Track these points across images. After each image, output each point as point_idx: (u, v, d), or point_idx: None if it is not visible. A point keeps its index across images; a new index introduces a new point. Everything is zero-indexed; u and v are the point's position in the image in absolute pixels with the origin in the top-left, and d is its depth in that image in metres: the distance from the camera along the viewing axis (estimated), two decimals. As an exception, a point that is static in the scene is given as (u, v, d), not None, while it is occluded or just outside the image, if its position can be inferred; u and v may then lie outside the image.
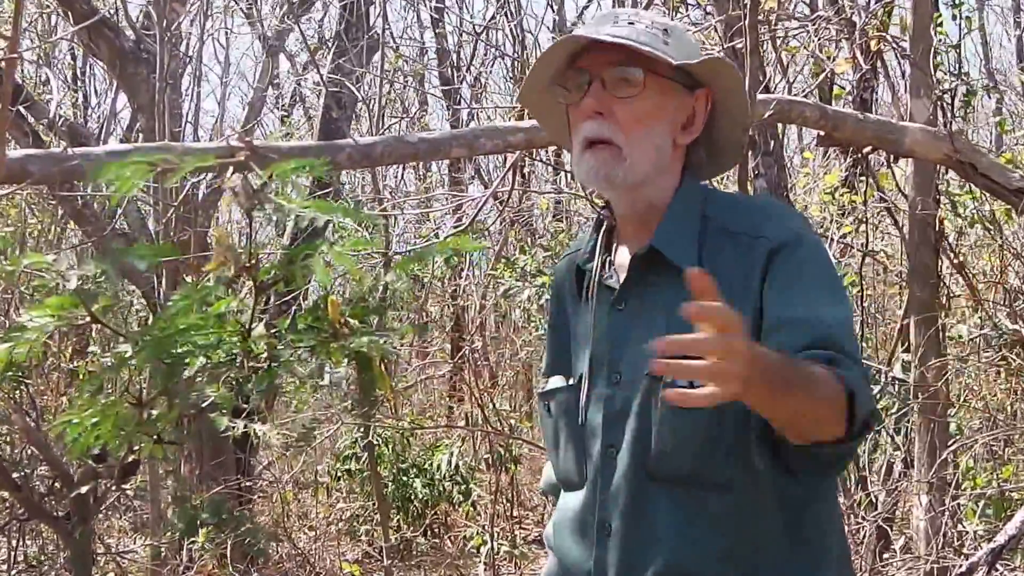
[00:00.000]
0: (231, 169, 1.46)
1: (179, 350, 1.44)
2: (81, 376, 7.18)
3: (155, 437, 1.79)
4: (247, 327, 1.43)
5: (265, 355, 1.43)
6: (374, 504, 6.88)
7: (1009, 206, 5.05)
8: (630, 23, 1.87)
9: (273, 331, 1.45)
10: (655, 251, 1.87)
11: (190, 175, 5.47)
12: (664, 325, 1.79)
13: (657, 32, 1.87)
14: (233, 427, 1.81)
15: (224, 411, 1.66)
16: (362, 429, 6.33)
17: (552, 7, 11.01)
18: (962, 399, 5.97)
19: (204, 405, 1.61)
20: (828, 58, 5.79)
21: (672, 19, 5.90)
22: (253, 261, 1.46)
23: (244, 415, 1.85)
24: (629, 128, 1.86)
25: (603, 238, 1.99)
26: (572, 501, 1.96)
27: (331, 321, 1.46)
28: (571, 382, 1.97)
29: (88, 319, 1.54)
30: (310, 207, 1.42)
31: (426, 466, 7.15)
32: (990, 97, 6.26)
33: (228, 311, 1.45)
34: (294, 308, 6.05)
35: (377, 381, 1.50)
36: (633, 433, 1.83)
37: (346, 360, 1.48)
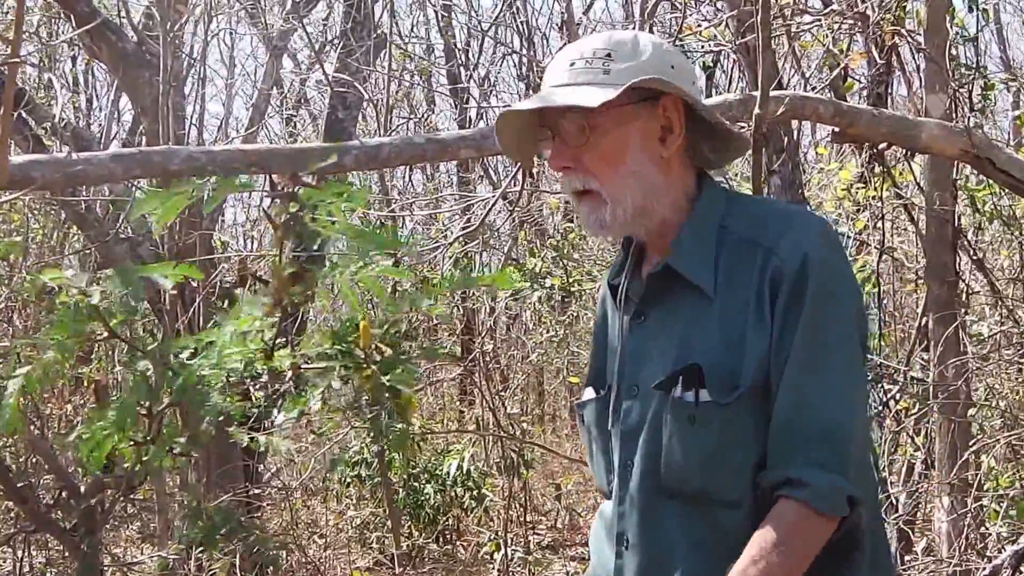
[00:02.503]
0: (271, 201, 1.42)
1: (205, 372, 1.40)
2: (87, 383, 7.10)
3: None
4: (271, 345, 1.38)
5: (290, 373, 1.38)
6: (385, 511, 6.81)
7: (1029, 201, 4.99)
8: (571, 64, 1.84)
9: (301, 353, 1.41)
10: (670, 268, 1.86)
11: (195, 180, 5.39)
12: (678, 337, 1.82)
13: (598, 63, 1.83)
14: (252, 439, 1.75)
15: (238, 422, 1.62)
16: (372, 435, 6.24)
17: (560, 1, 10.92)
18: (983, 398, 5.90)
19: (221, 419, 1.57)
20: (841, 52, 5.71)
21: (684, 14, 5.80)
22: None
23: (254, 421, 1.80)
24: (597, 172, 1.85)
25: (635, 251, 1.99)
26: (606, 509, 1.98)
27: (363, 347, 1.41)
28: (601, 393, 1.98)
29: (106, 335, 1.50)
30: (350, 234, 1.38)
31: (437, 471, 7.07)
32: (1009, 91, 6.18)
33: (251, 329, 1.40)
34: (309, 325, 5.97)
35: (406, 409, 1.45)
36: (647, 447, 1.85)
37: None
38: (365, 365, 1.42)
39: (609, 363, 1.99)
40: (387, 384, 1.41)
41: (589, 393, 2.03)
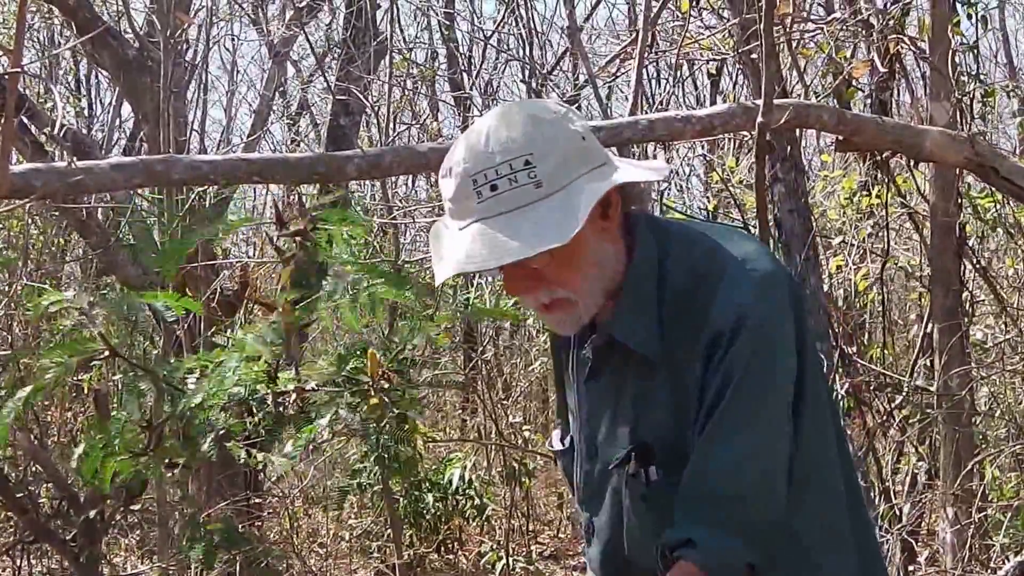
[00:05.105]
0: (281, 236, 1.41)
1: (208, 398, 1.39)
2: (86, 389, 7.08)
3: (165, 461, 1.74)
4: (274, 368, 1.37)
5: (294, 396, 1.38)
6: (386, 520, 6.77)
7: (1033, 209, 4.98)
8: (493, 188, 1.65)
9: (305, 376, 1.40)
10: (614, 339, 1.80)
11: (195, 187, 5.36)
12: (631, 406, 1.79)
13: (524, 176, 1.65)
14: (250, 455, 1.74)
15: (237, 439, 1.62)
16: (378, 460, 6.22)
17: (564, 6, 10.88)
18: (987, 407, 5.88)
19: (221, 434, 1.56)
20: (844, 60, 5.69)
21: (686, 22, 5.77)
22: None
23: (255, 436, 1.78)
24: (562, 280, 1.74)
25: None
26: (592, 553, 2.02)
27: (371, 375, 1.40)
28: (566, 445, 1.99)
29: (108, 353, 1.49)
30: (361, 270, 1.37)
31: (439, 480, 7.03)
32: (1010, 98, 6.17)
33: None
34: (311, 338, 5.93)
35: (411, 433, 1.44)
36: (607, 515, 1.86)
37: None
38: (372, 393, 1.40)
39: (570, 415, 1.97)
40: (395, 412, 1.39)
41: (557, 442, 2.03)
